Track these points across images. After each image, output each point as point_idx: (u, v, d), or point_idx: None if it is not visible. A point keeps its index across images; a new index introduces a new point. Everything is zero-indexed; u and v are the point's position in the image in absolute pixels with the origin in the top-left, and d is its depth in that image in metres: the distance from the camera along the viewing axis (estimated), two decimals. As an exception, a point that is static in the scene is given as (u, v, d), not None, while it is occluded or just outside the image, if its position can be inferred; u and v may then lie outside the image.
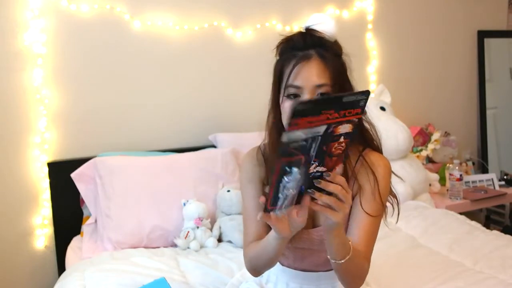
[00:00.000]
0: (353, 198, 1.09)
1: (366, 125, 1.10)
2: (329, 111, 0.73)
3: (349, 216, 1.10)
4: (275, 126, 1.09)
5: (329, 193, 0.84)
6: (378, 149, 1.12)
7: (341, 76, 1.02)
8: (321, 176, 0.82)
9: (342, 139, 0.78)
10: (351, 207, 1.10)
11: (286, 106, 1.01)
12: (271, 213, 0.84)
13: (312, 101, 0.78)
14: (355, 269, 1.01)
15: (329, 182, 0.82)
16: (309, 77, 0.98)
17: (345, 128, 0.77)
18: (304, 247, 1.13)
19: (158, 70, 2.30)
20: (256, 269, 1.11)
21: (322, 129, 0.74)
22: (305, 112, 0.71)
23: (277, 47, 1.07)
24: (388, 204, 1.13)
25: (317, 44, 1.01)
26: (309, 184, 0.83)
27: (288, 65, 1.01)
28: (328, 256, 0.97)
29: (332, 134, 0.76)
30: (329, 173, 0.82)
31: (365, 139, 1.11)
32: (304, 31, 1.05)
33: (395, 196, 1.14)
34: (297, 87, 0.99)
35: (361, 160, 1.09)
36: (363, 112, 0.79)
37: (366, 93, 0.76)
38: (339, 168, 0.83)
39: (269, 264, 1.08)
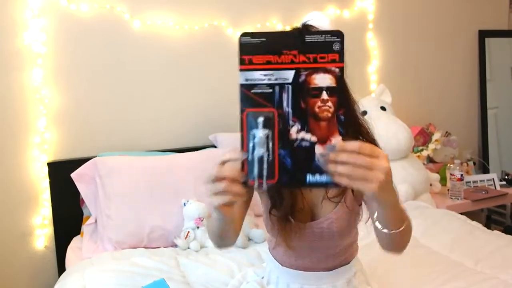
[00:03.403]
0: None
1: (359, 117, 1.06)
2: (292, 51, 0.64)
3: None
4: None
5: None
6: (374, 143, 1.06)
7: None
8: (311, 147, 0.67)
9: (325, 96, 0.66)
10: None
11: None
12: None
13: (264, 34, 0.66)
14: (410, 231, 0.92)
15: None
16: None
17: (324, 79, 0.65)
18: (306, 243, 1.11)
19: (158, 69, 2.29)
20: (216, 244, 1.06)
21: (289, 74, 0.65)
22: (258, 47, 0.63)
23: None
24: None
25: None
26: (294, 155, 0.67)
27: None
28: (378, 226, 0.86)
29: (307, 86, 0.65)
30: (330, 144, 0.67)
31: (358, 132, 1.06)
32: (300, 27, 1.05)
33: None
34: None
35: None
36: (342, 60, 0.66)
37: (337, 34, 0.65)
38: (335, 140, 0.67)
39: (222, 239, 1.02)
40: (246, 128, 0.67)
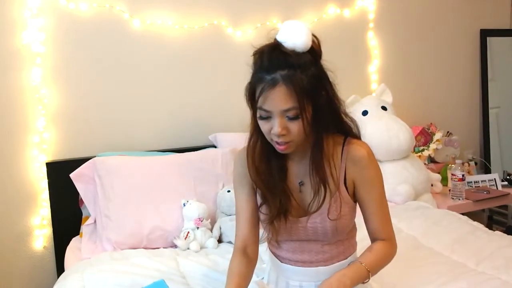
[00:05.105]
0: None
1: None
2: None
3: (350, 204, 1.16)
4: (256, 137, 1.16)
5: None
6: (357, 136, 1.17)
7: (314, 91, 1.02)
8: None
9: None
10: (354, 198, 1.17)
11: (261, 126, 1.08)
12: None
13: None
14: (383, 264, 1.19)
15: None
16: (276, 103, 1.01)
17: None
18: (301, 237, 1.16)
19: (157, 69, 2.28)
20: None
21: None
22: None
23: (253, 56, 1.09)
24: None
25: (283, 65, 1.00)
26: None
27: (258, 88, 1.05)
28: None
29: None
30: None
31: (343, 128, 1.15)
32: (275, 43, 1.04)
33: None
34: (267, 111, 1.03)
35: (344, 151, 1.14)
36: None
37: None
38: None
39: None
40: None
